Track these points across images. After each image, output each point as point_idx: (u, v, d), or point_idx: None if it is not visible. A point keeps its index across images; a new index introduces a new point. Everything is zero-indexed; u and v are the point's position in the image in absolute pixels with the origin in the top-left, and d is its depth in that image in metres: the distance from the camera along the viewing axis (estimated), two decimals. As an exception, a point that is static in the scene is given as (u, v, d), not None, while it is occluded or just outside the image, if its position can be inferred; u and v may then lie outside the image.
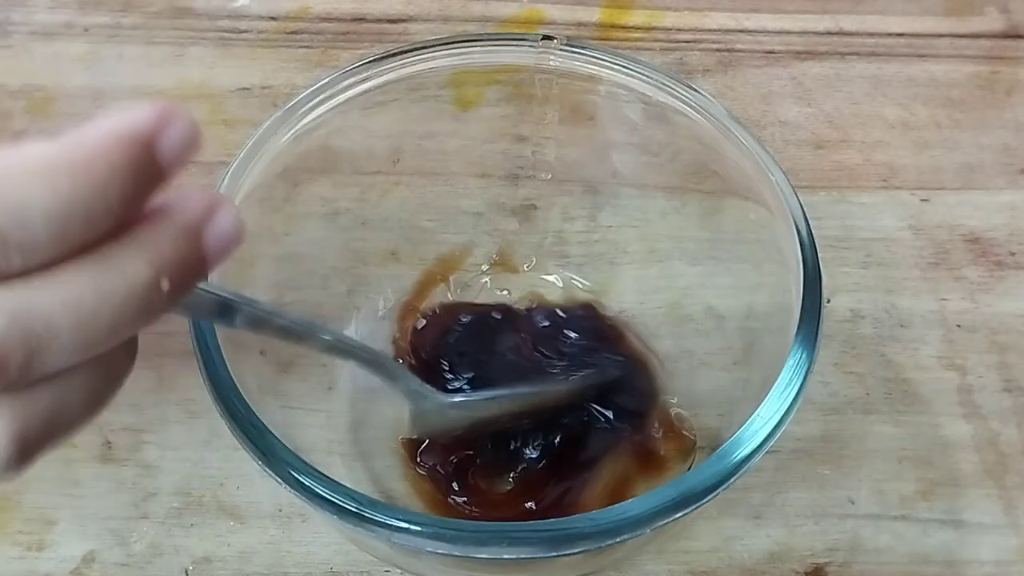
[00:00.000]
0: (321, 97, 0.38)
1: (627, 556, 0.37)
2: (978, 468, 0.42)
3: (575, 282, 0.45)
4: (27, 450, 0.20)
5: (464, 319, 0.42)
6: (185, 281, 0.21)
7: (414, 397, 0.37)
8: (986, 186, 0.51)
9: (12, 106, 0.53)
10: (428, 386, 0.37)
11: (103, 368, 0.22)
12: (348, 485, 0.29)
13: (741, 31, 0.57)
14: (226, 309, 0.27)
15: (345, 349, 0.34)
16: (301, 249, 0.41)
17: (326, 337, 0.32)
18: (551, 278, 0.45)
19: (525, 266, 0.45)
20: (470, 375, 0.40)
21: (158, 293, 0.21)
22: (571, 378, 0.40)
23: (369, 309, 0.43)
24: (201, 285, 0.25)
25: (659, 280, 0.44)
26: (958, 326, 0.46)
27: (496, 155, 0.44)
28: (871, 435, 0.42)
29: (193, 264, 0.21)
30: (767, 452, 0.30)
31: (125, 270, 0.20)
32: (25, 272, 0.19)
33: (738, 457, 0.30)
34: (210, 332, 0.31)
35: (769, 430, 0.30)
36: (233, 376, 0.31)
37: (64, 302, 0.20)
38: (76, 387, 0.21)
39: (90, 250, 0.20)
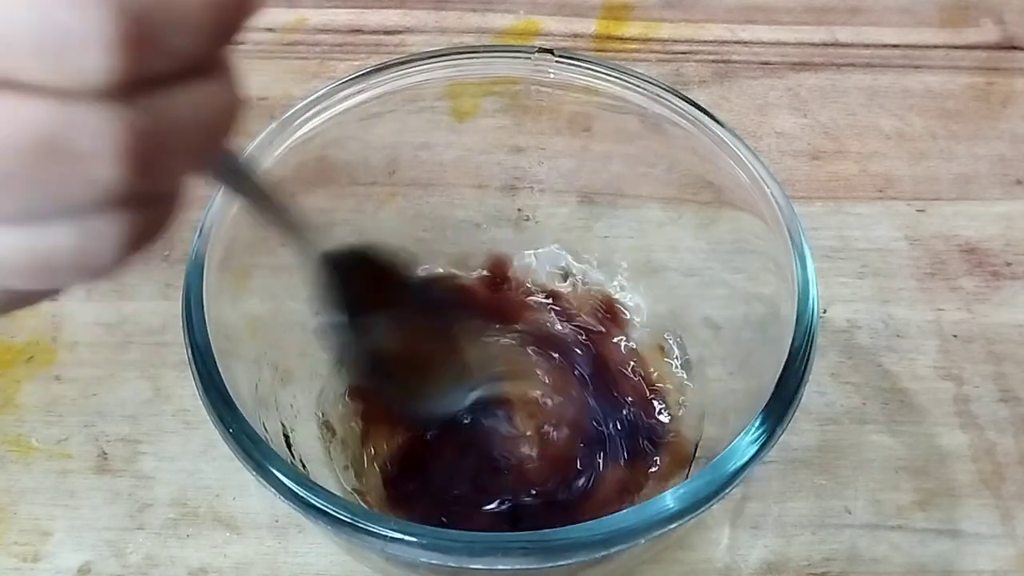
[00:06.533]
0: (318, 108, 0.38)
1: (623, 566, 0.37)
2: (975, 478, 0.42)
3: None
4: (128, 257, 0.21)
5: None
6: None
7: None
8: (982, 196, 0.51)
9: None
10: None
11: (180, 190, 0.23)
12: (343, 496, 0.29)
13: (737, 42, 0.57)
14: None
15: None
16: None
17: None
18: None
19: (521, 276, 0.45)
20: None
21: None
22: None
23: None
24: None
25: (656, 290, 0.44)
26: (954, 336, 0.46)
27: (493, 166, 0.44)
28: (868, 445, 0.42)
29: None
30: (764, 462, 0.30)
31: (225, 78, 0.21)
32: (156, 82, 0.19)
33: (734, 467, 0.30)
34: (205, 344, 0.31)
35: (765, 440, 0.30)
36: (228, 387, 0.31)
37: (191, 117, 0.20)
38: (165, 201, 0.22)
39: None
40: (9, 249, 0.20)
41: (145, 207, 0.21)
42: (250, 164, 0.27)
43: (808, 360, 0.32)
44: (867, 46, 0.57)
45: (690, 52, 0.57)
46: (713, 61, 0.56)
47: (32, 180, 0.19)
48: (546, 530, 0.28)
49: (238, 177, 0.26)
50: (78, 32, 0.17)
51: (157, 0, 0.18)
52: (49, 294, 0.23)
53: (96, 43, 0.17)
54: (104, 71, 0.18)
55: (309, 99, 0.38)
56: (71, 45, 0.17)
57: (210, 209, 0.34)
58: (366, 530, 0.28)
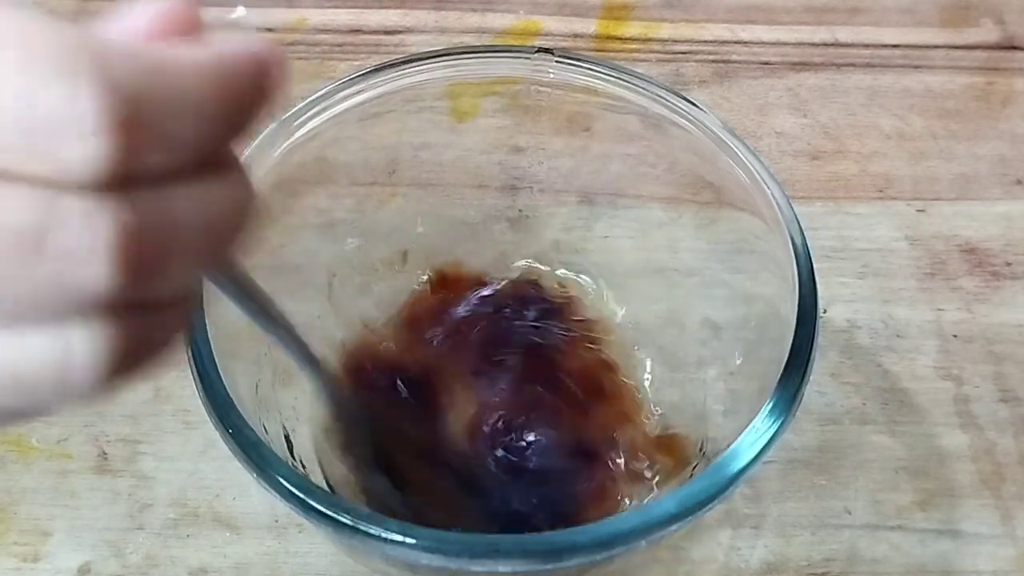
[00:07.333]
0: (317, 108, 0.38)
1: (624, 568, 0.37)
2: (975, 478, 0.42)
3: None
4: (115, 375, 0.19)
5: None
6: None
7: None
8: (982, 196, 0.51)
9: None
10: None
11: (183, 302, 0.21)
12: (343, 496, 0.29)
13: (737, 42, 0.57)
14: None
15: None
16: (297, 260, 0.41)
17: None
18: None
19: (520, 276, 0.45)
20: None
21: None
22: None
23: (363, 319, 0.43)
24: None
25: (656, 290, 0.43)
26: (955, 336, 0.46)
27: (492, 166, 0.44)
28: (868, 445, 0.42)
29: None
30: (764, 462, 0.30)
31: (234, 179, 0.20)
32: (154, 177, 0.18)
33: (734, 468, 0.30)
34: (204, 343, 0.31)
35: (765, 441, 0.30)
36: (228, 387, 0.31)
37: (192, 219, 0.19)
38: (163, 315, 0.20)
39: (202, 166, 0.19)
40: None
41: (138, 318, 0.19)
42: (248, 275, 0.25)
43: (809, 360, 0.32)
44: (867, 46, 0.57)
45: (690, 52, 0.57)
46: (713, 61, 0.56)
47: (7, 280, 0.17)
48: (547, 532, 0.28)
49: (238, 285, 0.25)
50: (66, 116, 0.16)
51: (155, 84, 0.17)
52: (29, 415, 0.20)
53: (86, 129, 0.16)
54: (94, 160, 0.16)
55: (309, 99, 0.38)
56: (58, 130, 0.16)
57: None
58: (366, 532, 0.28)
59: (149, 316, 0.19)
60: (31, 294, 0.17)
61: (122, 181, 0.17)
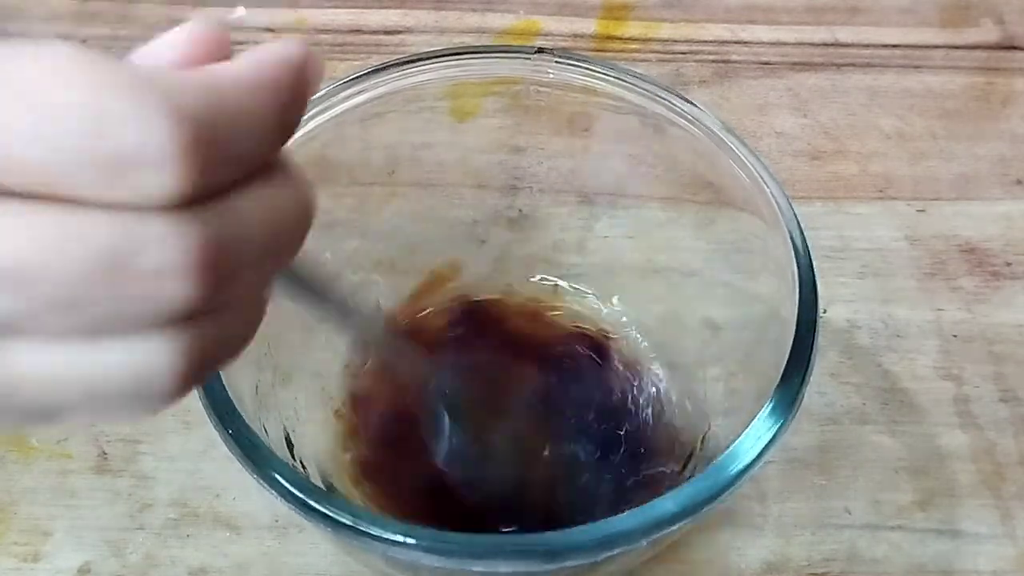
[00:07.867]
0: (318, 108, 0.38)
1: (624, 567, 0.37)
2: (975, 478, 0.42)
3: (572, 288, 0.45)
4: (191, 382, 0.20)
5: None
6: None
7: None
8: (982, 196, 0.51)
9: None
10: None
11: (258, 299, 0.22)
12: (344, 497, 0.29)
13: (737, 42, 0.57)
14: None
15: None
16: (296, 259, 0.41)
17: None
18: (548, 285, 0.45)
19: (521, 277, 0.45)
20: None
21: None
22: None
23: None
24: None
25: (655, 290, 0.44)
26: (954, 336, 0.46)
27: (492, 166, 0.44)
28: (868, 445, 0.42)
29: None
30: (764, 463, 0.30)
31: (290, 174, 0.21)
32: (222, 190, 0.19)
33: (735, 469, 0.30)
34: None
35: (766, 442, 0.30)
36: (228, 387, 0.31)
37: (261, 223, 0.19)
38: (238, 316, 0.21)
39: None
40: (54, 369, 0.18)
41: (215, 322, 0.19)
42: (311, 266, 0.26)
43: (809, 361, 0.32)
44: (867, 46, 0.57)
45: (690, 52, 0.57)
46: (713, 61, 0.56)
47: (91, 299, 0.17)
48: (547, 533, 0.28)
49: (300, 280, 0.26)
50: (143, 148, 0.17)
51: (217, 106, 0.18)
52: (95, 420, 0.20)
53: (160, 157, 0.17)
54: (169, 186, 0.17)
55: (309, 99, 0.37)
56: (136, 161, 0.17)
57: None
58: (366, 533, 0.28)
59: (224, 317, 0.20)
60: (114, 312, 0.18)
61: (195, 199, 0.18)
